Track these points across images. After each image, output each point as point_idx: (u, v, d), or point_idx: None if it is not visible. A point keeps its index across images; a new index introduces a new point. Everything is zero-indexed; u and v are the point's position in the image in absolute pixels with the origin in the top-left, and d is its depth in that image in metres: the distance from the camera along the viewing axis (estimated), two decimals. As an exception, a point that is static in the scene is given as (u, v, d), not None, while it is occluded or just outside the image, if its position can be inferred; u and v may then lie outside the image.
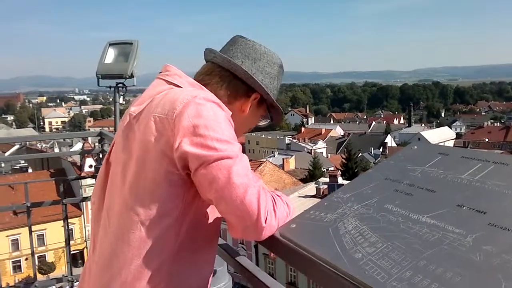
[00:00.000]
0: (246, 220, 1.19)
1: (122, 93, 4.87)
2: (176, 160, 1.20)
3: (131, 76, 4.65)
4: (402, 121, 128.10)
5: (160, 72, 1.46)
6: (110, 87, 4.82)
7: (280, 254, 1.27)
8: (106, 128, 40.53)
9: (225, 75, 1.45)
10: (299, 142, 72.84)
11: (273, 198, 1.27)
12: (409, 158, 1.37)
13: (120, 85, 4.77)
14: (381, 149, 70.33)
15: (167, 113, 1.23)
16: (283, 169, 46.08)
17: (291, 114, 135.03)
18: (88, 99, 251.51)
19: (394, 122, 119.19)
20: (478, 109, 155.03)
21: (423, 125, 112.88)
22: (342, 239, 1.06)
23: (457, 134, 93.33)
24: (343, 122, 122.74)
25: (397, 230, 1.03)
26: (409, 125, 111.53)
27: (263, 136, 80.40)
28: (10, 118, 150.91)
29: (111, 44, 4.78)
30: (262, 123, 1.61)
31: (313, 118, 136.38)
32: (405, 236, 1.00)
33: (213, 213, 1.35)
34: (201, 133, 1.19)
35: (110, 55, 4.73)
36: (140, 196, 1.25)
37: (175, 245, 1.27)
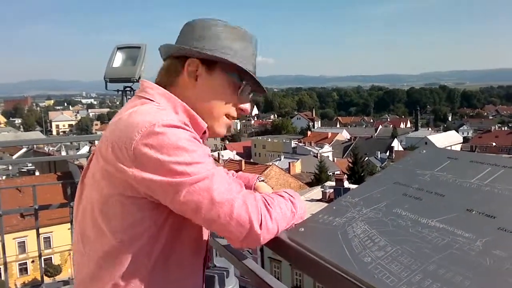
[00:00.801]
0: (241, 233, 1.18)
1: (129, 97, 4.90)
2: (140, 190, 1.19)
3: (139, 79, 4.67)
4: (408, 125, 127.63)
5: None
6: (117, 90, 4.85)
7: (288, 258, 1.27)
8: (113, 132, 40.43)
9: (168, 63, 1.45)
10: (305, 146, 72.73)
11: (265, 200, 1.24)
12: (418, 162, 1.37)
13: (128, 88, 4.79)
14: (387, 153, 70.16)
15: (125, 141, 1.19)
16: (289, 172, 46.05)
17: (297, 118, 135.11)
18: (95, 102, 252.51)
19: (400, 126, 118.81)
20: (485, 113, 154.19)
21: (430, 129, 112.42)
22: (351, 243, 1.06)
23: (464, 138, 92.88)
24: (349, 126, 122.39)
25: (406, 234, 1.03)
26: (416, 129, 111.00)
27: (269, 139, 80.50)
28: (18, 121, 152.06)
29: (119, 48, 4.81)
30: (243, 93, 1.44)
31: (319, 121, 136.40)
32: (415, 240, 1.00)
33: (191, 230, 1.34)
34: (168, 162, 1.15)
35: (118, 59, 4.75)
36: (110, 221, 1.26)
37: (149, 265, 1.27)
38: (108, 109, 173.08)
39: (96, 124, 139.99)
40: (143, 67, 4.71)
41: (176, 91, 1.40)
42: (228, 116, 1.44)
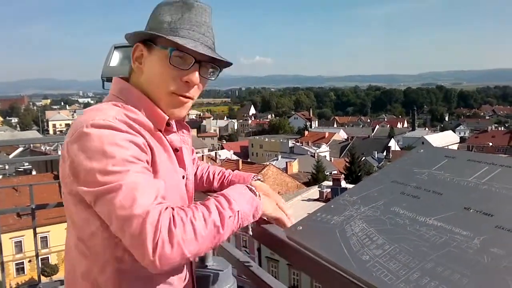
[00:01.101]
0: (136, 254, 1.11)
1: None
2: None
3: (136, 79, 4.68)
4: (405, 125, 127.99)
5: None
6: (115, 89, 4.84)
7: (286, 256, 1.28)
8: (110, 131, 40.35)
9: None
10: (302, 145, 72.79)
11: (172, 218, 1.10)
12: (415, 161, 1.37)
13: (125, 87, 4.79)
14: (384, 153, 70.21)
15: (65, 141, 1.23)
16: (286, 172, 46.04)
17: (295, 118, 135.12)
18: (92, 102, 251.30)
19: (397, 126, 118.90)
20: (482, 113, 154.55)
21: (426, 129, 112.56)
22: (349, 241, 1.06)
23: (461, 138, 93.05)
24: (346, 126, 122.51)
25: (404, 233, 1.04)
26: (413, 129, 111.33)
27: (267, 139, 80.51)
28: (14, 120, 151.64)
29: (116, 47, 4.79)
30: (179, 63, 1.33)
31: (316, 121, 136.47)
32: (412, 238, 1.01)
33: None
34: (84, 169, 1.15)
35: (115, 58, 4.73)
36: (70, 218, 1.30)
37: (116, 263, 1.26)
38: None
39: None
40: (141, 66, 4.71)
41: (133, 78, 1.41)
42: (175, 93, 1.36)
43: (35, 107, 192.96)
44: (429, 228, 1.02)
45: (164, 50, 1.32)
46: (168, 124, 1.38)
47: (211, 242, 1.15)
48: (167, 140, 1.39)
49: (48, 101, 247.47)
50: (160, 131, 1.37)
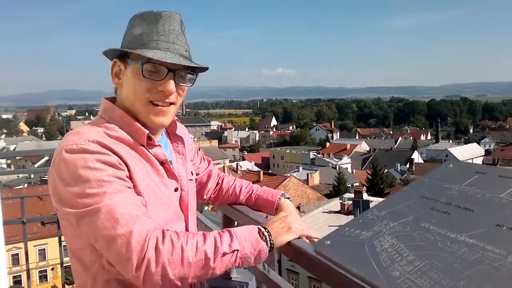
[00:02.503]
0: (120, 269, 1.16)
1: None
2: None
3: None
4: (429, 137, 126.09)
5: None
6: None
7: (313, 270, 1.27)
8: (133, 141, 40.85)
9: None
10: (323, 157, 72.35)
11: (161, 240, 1.14)
12: (445, 176, 1.35)
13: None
14: (407, 165, 69.26)
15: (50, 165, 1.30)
16: (307, 184, 45.78)
17: (316, 129, 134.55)
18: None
19: (421, 138, 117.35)
20: (508, 126, 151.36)
21: (450, 141, 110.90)
22: (379, 256, 1.05)
23: (486, 151, 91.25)
24: (368, 138, 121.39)
25: (435, 249, 1.02)
26: (437, 141, 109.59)
27: (288, 150, 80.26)
28: (40, 130, 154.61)
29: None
30: (151, 75, 1.36)
31: (338, 133, 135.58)
32: (444, 255, 0.99)
33: None
34: (63, 192, 1.22)
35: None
36: (65, 235, 1.38)
37: (107, 276, 1.31)
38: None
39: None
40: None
41: (118, 95, 1.47)
42: (152, 102, 1.39)
43: (60, 117, 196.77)
44: (460, 245, 1.01)
45: (137, 64, 1.36)
46: (149, 138, 1.40)
47: (199, 271, 1.16)
48: (151, 153, 1.41)
49: (73, 111, 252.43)
50: (144, 145, 1.40)
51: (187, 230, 1.50)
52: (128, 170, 1.29)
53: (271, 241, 1.30)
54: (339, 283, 1.11)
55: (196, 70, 1.45)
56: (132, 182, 1.29)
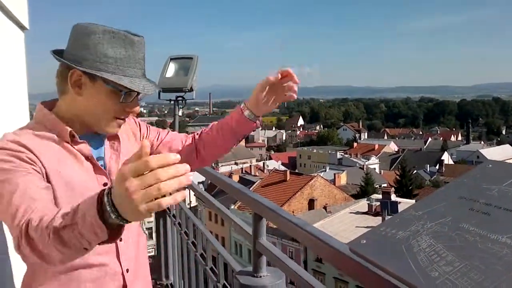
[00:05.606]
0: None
1: (181, 106, 5.01)
2: None
3: (191, 90, 4.78)
4: (460, 138, 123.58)
5: None
6: (170, 100, 4.97)
7: (347, 269, 1.27)
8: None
9: (60, 70, 1.51)
10: (351, 157, 71.81)
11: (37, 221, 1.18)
12: (484, 176, 1.32)
13: (180, 98, 4.90)
14: (437, 167, 68.12)
15: None
16: (334, 184, 45.50)
17: (344, 129, 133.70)
18: (144, 111, 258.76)
19: (451, 139, 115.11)
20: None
21: (482, 142, 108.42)
22: (417, 256, 1.04)
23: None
24: (397, 138, 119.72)
25: (475, 250, 1.00)
26: (467, 142, 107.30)
27: (315, 150, 80.00)
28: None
29: (172, 59, 4.94)
30: (126, 100, 1.48)
31: (366, 133, 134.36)
32: (484, 256, 0.97)
33: None
34: None
35: (171, 69, 4.87)
36: None
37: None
38: (156, 118, 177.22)
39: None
40: (195, 77, 4.81)
41: (67, 98, 1.50)
42: (118, 118, 1.52)
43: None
44: (502, 247, 0.99)
45: (110, 88, 1.44)
46: (73, 135, 1.48)
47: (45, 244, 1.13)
48: (75, 149, 1.49)
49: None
50: (68, 142, 1.48)
51: None
52: (41, 162, 1.38)
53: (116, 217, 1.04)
54: (375, 282, 1.10)
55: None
56: (47, 175, 1.38)
